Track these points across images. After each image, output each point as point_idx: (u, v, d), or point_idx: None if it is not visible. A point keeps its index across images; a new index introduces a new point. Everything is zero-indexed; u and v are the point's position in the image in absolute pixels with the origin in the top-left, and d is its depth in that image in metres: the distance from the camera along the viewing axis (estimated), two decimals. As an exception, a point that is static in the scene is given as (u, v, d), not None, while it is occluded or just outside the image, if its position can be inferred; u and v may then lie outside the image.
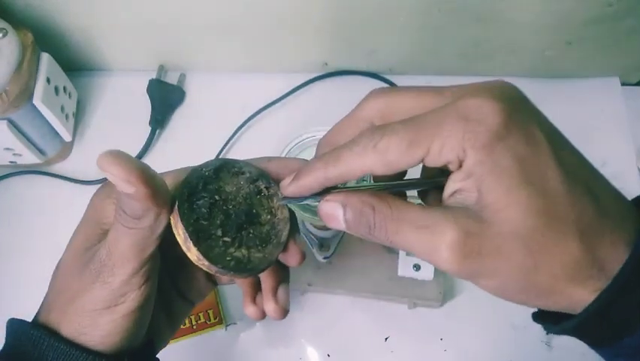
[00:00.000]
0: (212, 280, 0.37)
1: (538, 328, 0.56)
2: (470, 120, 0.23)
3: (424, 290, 0.53)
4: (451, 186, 0.25)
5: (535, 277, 0.24)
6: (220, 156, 0.63)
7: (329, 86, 0.67)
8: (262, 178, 0.32)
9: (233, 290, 0.57)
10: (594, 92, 0.65)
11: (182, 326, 0.54)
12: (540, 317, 0.28)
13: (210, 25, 0.60)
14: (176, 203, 0.29)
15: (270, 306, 0.34)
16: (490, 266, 0.24)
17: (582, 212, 0.24)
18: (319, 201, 0.28)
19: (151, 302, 0.31)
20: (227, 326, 0.56)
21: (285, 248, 0.32)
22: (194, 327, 0.55)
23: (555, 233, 0.23)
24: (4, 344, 0.31)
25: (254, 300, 0.36)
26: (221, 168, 0.31)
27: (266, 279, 0.35)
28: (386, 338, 0.55)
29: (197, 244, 0.29)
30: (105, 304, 0.29)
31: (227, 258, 0.30)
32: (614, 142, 0.62)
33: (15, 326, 0.31)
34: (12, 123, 0.55)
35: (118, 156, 0.26)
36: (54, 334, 0.29)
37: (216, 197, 0.31)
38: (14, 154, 0.59)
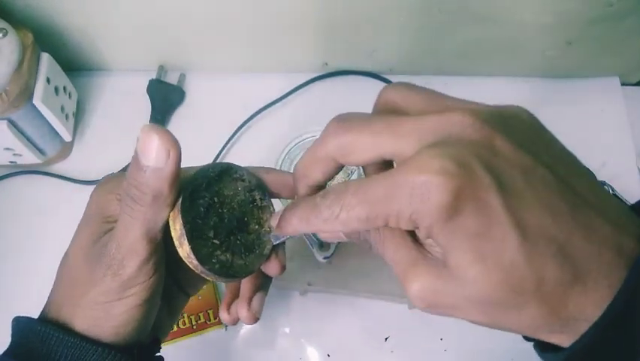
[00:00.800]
0: None
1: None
2: (416, 198, 0.22)
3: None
4: (420, 235, 0.26)
5: (498, 327, 0.25)
6: (220, 156, 0.63)
7: (329, 86, 0.67)
8: (259, 189, 0.34)
9: (233, 290, 0.57)
10: (594, 92, 0.65)
11: (182, 326, 0.55)
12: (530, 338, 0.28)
13: (210, 25, 0.60)
14: (180, 198, 0.30)
15: (242, 312, 0.36)
16: (450, 314, 0.25)
17: (543, 278, 0.23)
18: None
19: (159, 293, 0.32)
20: (226, 326, 0.56)
21: (267, 259, 0.33)
22: (194, 327, 0.55)
23: (512, 303, 0.23)
24: (11, 342, 0.31)
25: (229, 306, 0.37)
26: (225, 172, 0.32)
27: (245, 285, 0.36)
28: (386, 338, 0.55)
29: (190, 241, 0.30)
30: (117, 295, 0.30)
31: (213, 260, 0.31)
32: (614, 142, 0.62)
33: (22, 323, 0.31)
34: (12, 123, 0.55)
35: (163, 127, 0.27)
36: (64, 328, 0.30)
37: (215, 199, 0.32)
38: (14, 154, 0.59)
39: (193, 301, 0.55)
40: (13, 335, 0.31)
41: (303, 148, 0.40)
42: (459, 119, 0.24)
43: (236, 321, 0.37)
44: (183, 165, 0.33)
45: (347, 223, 0.25)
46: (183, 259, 0.30)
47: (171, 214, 0.30)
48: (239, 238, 0.32)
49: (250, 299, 0.36)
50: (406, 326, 0.55)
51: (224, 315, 0.37)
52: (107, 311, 0.30)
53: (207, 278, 0.31)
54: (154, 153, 0.27)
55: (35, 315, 0.32)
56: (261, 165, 0.35)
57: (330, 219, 0.25)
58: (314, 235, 0.52)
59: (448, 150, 0.22)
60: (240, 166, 0.33)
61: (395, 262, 0.26)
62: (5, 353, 0.31)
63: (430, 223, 0.23)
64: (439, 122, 0.24)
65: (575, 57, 0.62)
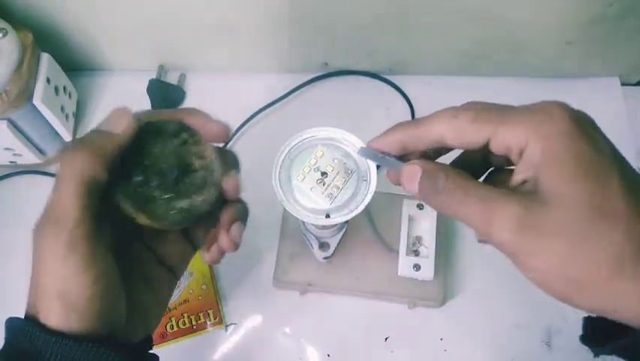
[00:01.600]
0: (189, 241, 0.38)
1: (538, 328, 0.56)
2: (539, 114, 0.26)
3: (424, 290, 0.53)
4: (516, 177, 0.27)
5: (579, 264, 0.25)
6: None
7: (329, 86, 0.67)
8: (183, 130, 0.34)
9: (234, 290, 0.57)
10: (594, 92, 0.65)
11: (182, 326, 0.55)
12: (588, 339, 0.28)
13: (210, 25, 0.60)
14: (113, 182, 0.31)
15: (222, 239, 0.36)
16: (540, 244, 0.25)
17: (636, 214, 0.24)
18: (394, 165, 0.33)
19: (112, 264, 0.31)
20: (227, 326, 0.56)
21: (222, 183, 0.34)
22: (194, 327, 0.55)
23: (604, 225, 0.24)
24: (4, 343, 0.31)
25: (209, 249, 0.37)
26: (142, 134, 0.32)
27: (222, 219, 0.36)
28: (386, 338, 0.55)
29: (141, 209, 0.31)
30: (64, 259, 0.29)
31: (173, 212, 0.32)
32: (614, 142, 0.62)
33: (13, 323, 0.31)
34: (12, 123, 0.55)
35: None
36: (42, 325, 0.29)
37: (146, 162, 0.32)
38: (14, 154, 0.59)
39: (193, 302, 0.55)
40: (6, 336, 0.31)
41: (304, 148, 0.40)
42: (565, 105, 0.28)
43: (217, 257, 0.37)
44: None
45: (460, 121, 0.28)
46: (150, 226, 0.32)
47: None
48: (187, 180, 0.33)
49: (229, 228, 0.36)
50: (406, 326, 0.55)
51: (205, 255, 0.37)
52: (68, 290, 0.29)
53: (180, 227, 0.34)
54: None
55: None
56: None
57: (447, 116, 0.28)
58: (314, 234, 0.52)
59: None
60: (152, 120, 0.33)
61: (485, 202, 0.27)
62: None
63: (547, 134, 0.26)
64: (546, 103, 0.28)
65: (575, 57, 0.62)
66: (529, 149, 0.26)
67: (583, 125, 0.26)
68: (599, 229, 0.24)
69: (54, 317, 0.29)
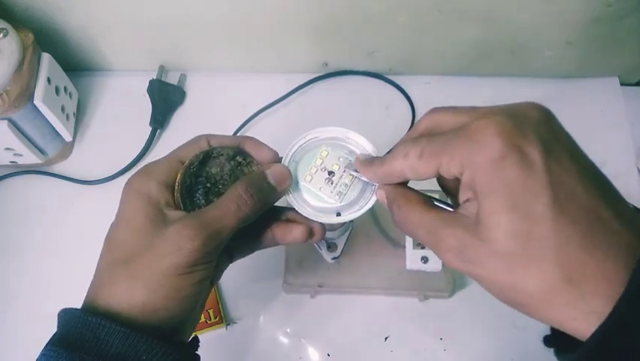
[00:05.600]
0: (229, 256, 0.41)
1: (538, 328, 0.55)
2: (472, 142, 0.26)
3: (433, 281, 0.54)
4: (460, 196, 0.29)
5: (514, 293, 0.26)
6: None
7: (329, 86, 0.67)
8: (238, 154, 0.39)
9: (234, 290, 0.57)
10: (594, 92, 0.65)
11: (182, 326, 0.55)
12: (550, 341, 0.29)
13: (210, 25, 0.60)
14: (181, 202, 0.35)
15: (316, 228, 0.40)
16: (478, 273, 0.27)
17: (566, 240, 0.24)
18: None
19: (211, 271, 0.35)
20: (227, 325, 0.56)
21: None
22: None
23: (532, 256, 0.25)
24: (58, 333, 0.32)
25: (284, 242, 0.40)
26: (205, 159, 0.38)
27: (293, 216, 0.40)
28: (386, 338, 0.55)
29: None
30: (188, 269, 0.32)
31: None
32: (613, 142, 0.62)
33: (69, 313, 0.32)
34: (13, 123, 0.55)
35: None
36: (113, 317, 0.31)
37: (208, 184, 0.37)
38: (15, 154, 0.59)
39: (193, 301, 0.55)
40: (61, 327, 0.32)
41: (307, 150, 0.40)
42: (522, 105, 0.28)
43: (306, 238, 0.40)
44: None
45: (411, 161, 0.30)
46: None
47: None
48: None
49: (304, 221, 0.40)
50: (405, 326, 0.55)
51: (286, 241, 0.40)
52: (175, 283, 0.32)
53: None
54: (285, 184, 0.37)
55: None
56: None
57: (400, 157, 0.30)
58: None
59: (508, 114, 0.27)
60: (214, 147, 0.39)
61: (432, 235, 0.29)
62: (52, 342, 0.31)
63: (478, 164, 0.26)
64: (505, 106, 0.28)
65: (575, 57, 0.62)
66: (464, 176, 0.27)
67: (516, 142, 0.25)
68: (529, 261, 0.25)
69: (131, 308, 0.31)
